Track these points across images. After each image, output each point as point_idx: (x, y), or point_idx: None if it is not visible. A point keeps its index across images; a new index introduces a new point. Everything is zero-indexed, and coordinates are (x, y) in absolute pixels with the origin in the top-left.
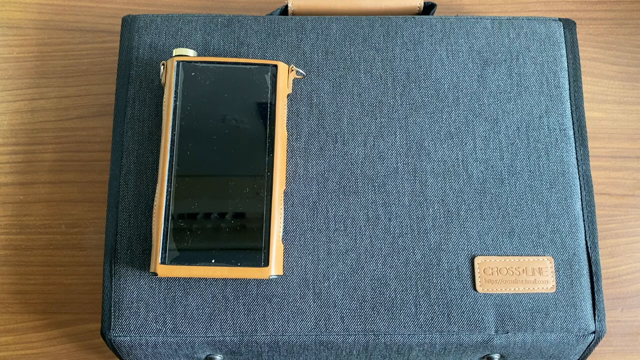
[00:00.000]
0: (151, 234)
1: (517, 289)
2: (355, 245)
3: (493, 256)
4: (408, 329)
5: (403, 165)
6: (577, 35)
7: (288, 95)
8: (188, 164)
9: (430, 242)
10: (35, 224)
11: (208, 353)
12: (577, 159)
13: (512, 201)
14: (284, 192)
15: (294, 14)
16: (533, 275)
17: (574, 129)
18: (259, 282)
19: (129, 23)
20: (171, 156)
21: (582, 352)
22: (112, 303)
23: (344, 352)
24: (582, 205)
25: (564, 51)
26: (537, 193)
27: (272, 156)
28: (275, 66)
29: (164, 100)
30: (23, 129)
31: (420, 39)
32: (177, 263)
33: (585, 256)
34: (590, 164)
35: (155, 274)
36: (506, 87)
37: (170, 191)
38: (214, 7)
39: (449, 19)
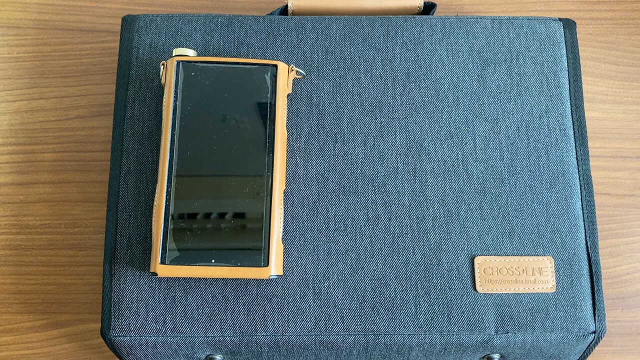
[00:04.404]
0: (151, 234)
1: (517, 289)
2: (355, 245)
3: (493, 256)
4: (408, 329)
5: (403, 165)
6: (577, 35)
7: (288, 95)
8: (188, 164)
9: (430, 242)
10: (35, 224)
11: (208, 353)
12: (577, 159)
13: (512, 201)
14: (284, 192)
15: (294, 13)
16: (533, 275)
17: (574, 129)
18: (259, 282)
19: (129, 23)
20: (171, 156)
21: (582, 352)
22: (112, 303)
23: (344, 352)
24: (582, 205)
25: (564, 51)
26: (537, 193)
27: (272, 156)
28: (275, 66)
29: (164, 100)
30: (23, 129)
31: (420, 39)
32: (177, 263)
33: (585, 256)
34: (590, 164)
35: (155, 274)
36: (506, 87)
37: (170, 191)
38: (214, 7)
39: (449, 19)
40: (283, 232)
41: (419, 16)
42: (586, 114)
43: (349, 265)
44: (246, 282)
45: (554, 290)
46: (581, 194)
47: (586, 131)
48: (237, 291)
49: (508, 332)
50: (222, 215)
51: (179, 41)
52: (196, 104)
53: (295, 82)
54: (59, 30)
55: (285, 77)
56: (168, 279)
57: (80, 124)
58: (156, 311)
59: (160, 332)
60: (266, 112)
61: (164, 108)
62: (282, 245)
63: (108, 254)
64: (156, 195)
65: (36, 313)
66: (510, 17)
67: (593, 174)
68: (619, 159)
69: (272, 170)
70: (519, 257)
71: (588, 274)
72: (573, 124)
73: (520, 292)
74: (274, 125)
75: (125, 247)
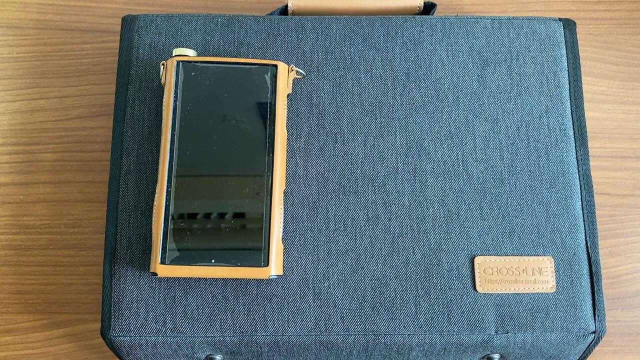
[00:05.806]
0: (151, 234)
1: (517, 289)
2: (355, 245)
3: (493, 256)
4: (408, 329)
5: (403, 165)
6: (577, 35)
7: (288, 95)
8: (188, 164)
9: (430, 242)
10: (35, 224)
11: (208, 353)
12: (577, 159)
13: (512, 201)
14: (284, 192)
15: (293, 13)
16: (533, 275)
17: (574, 129)
18: (259, 282)
19: (129, 23)
20: (171, 156)
21: (582, 352)
22: (112, 303)
23: (344, 352)
24: (582, 205)
25: (564, 51)
26: (537, 193)
27: (272, 156)
28: (275, 66)
29: (164, 100)
30: (23, 129)
31: (420, 39)
32: (177, 263)
33: (585, 256)
34: (590, 164)
35: (155, 274)
36: (506, 87)
37: (170, 191)
38: (214, 7)
39: (449, 19)
40: (283, 232)
41: (419, 16)
42: (586, 114)
43: (349, 265)
44: (246, 282)
45: (554, 290)
46: (581, 194)
47: (586, 131)
48: (237, 291)
49: (508, 332)
50: (222, 215)
51: (179, 41)
52: (196, 104)
53: (295, 82)
54: (59, 30)
55: (285, 77)
56: (168, 279)
57: (80, 124)
58: (156, 311)
59: (160, 332)
60: (266, 112)
61: (164, 108)
62: (282, 245)
63: (108, 254)
64: (156, 195)
65: (36, 313)
66: (510, 17)
67: (593, 174)
68: (619, 159)
69: (272, 170)
70: (519, 257)
71: (588, 274)
72: (573, 124)
73: (520, 292)
74: (274, 125)
75: (125, 247)
